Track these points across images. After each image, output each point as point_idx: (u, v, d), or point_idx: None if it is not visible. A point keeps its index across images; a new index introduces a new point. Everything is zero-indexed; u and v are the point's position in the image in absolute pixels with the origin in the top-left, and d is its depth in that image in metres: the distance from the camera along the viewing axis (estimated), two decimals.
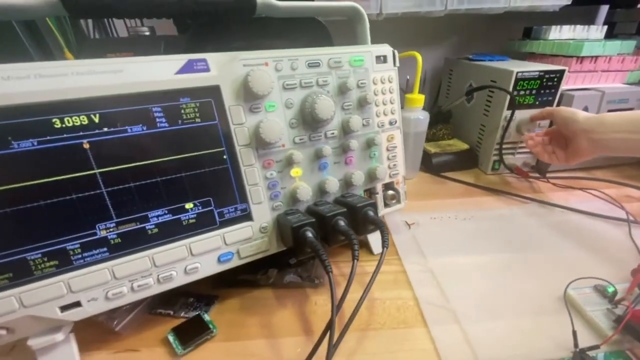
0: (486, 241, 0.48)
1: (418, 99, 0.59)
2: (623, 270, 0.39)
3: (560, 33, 0.67)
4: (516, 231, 0.50)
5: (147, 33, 0.63)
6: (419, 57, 0.56)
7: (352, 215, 0.35)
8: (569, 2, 0.65)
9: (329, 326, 0.26)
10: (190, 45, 0.46)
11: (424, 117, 0.61)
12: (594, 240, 0.47)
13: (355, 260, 0.30)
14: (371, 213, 0.35)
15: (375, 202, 0.36)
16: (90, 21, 0.68)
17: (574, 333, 0.32)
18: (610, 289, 0.36)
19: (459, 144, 0.73)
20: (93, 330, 0.35)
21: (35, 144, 0.26)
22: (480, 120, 0.69)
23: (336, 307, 0.27)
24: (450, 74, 0.83)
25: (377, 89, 0.40)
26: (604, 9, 0.84)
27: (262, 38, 0.47)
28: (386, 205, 0.44)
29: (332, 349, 0.25)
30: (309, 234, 0.32)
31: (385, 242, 0.32)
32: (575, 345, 0.31)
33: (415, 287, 0.40)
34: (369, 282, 0.30)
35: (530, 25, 0.77)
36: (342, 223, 0.34)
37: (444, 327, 0.34)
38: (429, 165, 0.69)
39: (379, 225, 0.33)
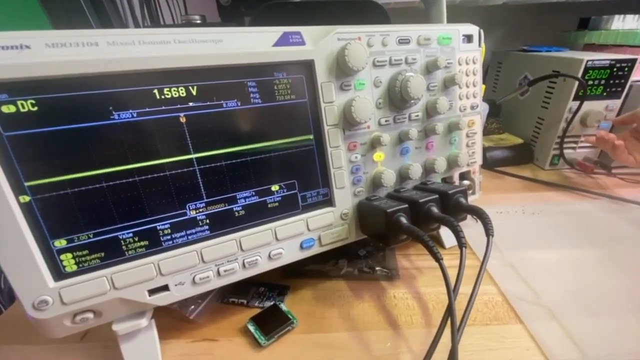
0: (563, 236, 0.45)
1: None
2: None
3: (623, 22, 0.64)
4: (593, 226, 0.47)
5: (199, 21, 0.62)
6: (484, 46, 0.54)
7: (442, 202, 0.33)
8: None
9: (449, 311, 0.24)
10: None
11: (483, 107, 0.58)
12: None
13: (464, 248, 0.28)
14: (463, 200, 0.33)
15: (465, 189, 0.34)
16: (138, 7, 0.68)
17: None
18: None
19: (512, 138, 0.70)
20: (168, 318, 0.34)
21: (135, 115, 0.25)
22: (537, 113, 0.66)
23: (453, 291, 0.25)
24: (498, 67, 0.80)
25: (461, 70, 0.37)
26: None
27: (322, 23, 0.46)
28: None
29: (456, 333, 0.23)
30: (404, 220, 0.30)
31: (490, 230, 0.29)
32: None
33: (500, 282, 0.37)
34: (479, 273, 0.27)
35: (579, 17, 0.74)
36: (435, 209, 0.32)
37: (542, 324, 0.32)
38: (483, 159, 0.66)
39: (478, 212, 0.31)
